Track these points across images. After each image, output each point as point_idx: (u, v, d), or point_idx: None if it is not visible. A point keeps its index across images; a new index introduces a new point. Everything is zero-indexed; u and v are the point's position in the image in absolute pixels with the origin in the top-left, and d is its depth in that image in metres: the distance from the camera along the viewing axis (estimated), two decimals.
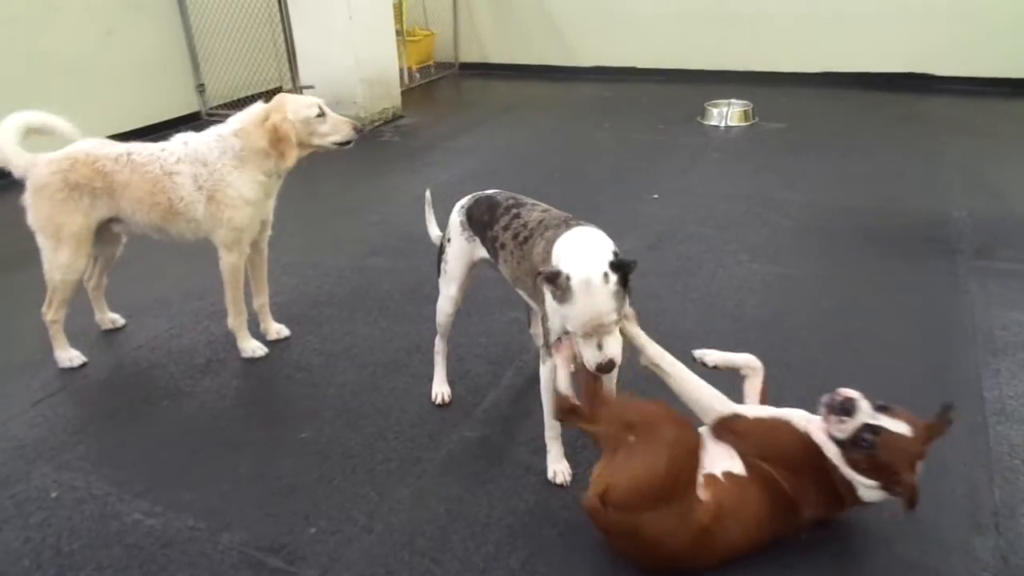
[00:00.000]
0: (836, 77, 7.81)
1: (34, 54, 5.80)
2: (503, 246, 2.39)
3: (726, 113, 6.61)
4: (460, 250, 2.62)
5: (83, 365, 3.23)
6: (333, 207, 5.01)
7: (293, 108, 2.98)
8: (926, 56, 7.51)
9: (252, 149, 2.95)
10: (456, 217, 2.62)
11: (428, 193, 2.98)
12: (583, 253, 2.03)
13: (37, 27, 5.84)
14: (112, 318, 3.54)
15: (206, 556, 2.21)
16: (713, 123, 6.63)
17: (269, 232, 3.25)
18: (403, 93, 7.54)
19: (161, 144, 3.02)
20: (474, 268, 2.67)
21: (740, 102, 6.71)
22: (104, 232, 3.15)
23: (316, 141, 3.06)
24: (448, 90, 8.77)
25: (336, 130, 3.09)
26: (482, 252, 2.55)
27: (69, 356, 3.23)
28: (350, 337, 3.37)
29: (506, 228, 2.38)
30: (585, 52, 8.75)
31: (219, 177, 2.93)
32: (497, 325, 3.42)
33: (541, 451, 2.52)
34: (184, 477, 2.54)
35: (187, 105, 7.13)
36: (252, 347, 3.25)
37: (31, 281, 4.08)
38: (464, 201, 2.62)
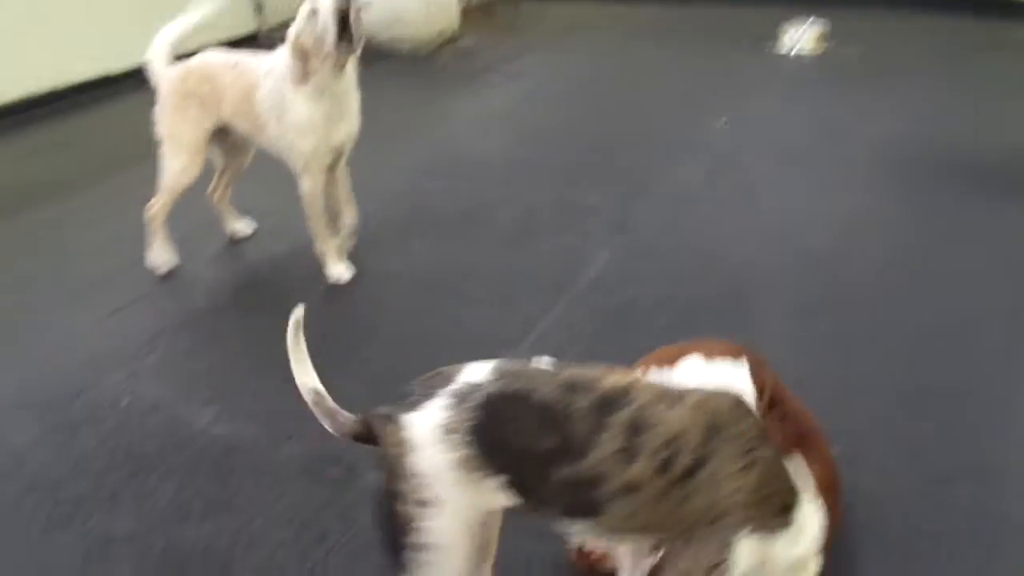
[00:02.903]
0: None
1: None
2: (628, 490, 1.34)
3: (798, 38, 6.30)
4: (461, 512, 1.36)
5: (170, 272, 3.33)
6: (389, 129, 4.99)
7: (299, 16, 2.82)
8: None
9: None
10: (438, 453, 1.32)
11: (298, 313, 1.59)
12: None
13: None
14: (241, 226, 3.64)
15: (269, 464, 2.31)
16: (784, 48, 6.33)
17: (344, 164, 3.17)
18: (461, 13, 7.37)
19: (263, 55, 3.01)
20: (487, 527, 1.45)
21: (814, 26, 6.38)
22: (228, 142, 3.25)
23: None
24: (507, 11, 8.54)
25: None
26: (501, 499, 1.37)
27: (163, 259, 3.34)
28: (406, 258, 3.40)
29: (626, 459, 1.32)
30: None
31: (283, 98, 2.90)
32: (550, 251, 3.41)
33: None
34: (248, 389, 2.64)
35: (244, 25, 7.08)
36: (339, 271, 3.22)
37: (108, 195, 4.24)
38: (445, 405, 1.33)
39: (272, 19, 7.29)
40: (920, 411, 2.39)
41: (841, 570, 1.88)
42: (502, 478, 1.34)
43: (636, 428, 1.33)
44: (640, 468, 1.32)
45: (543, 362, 2.54)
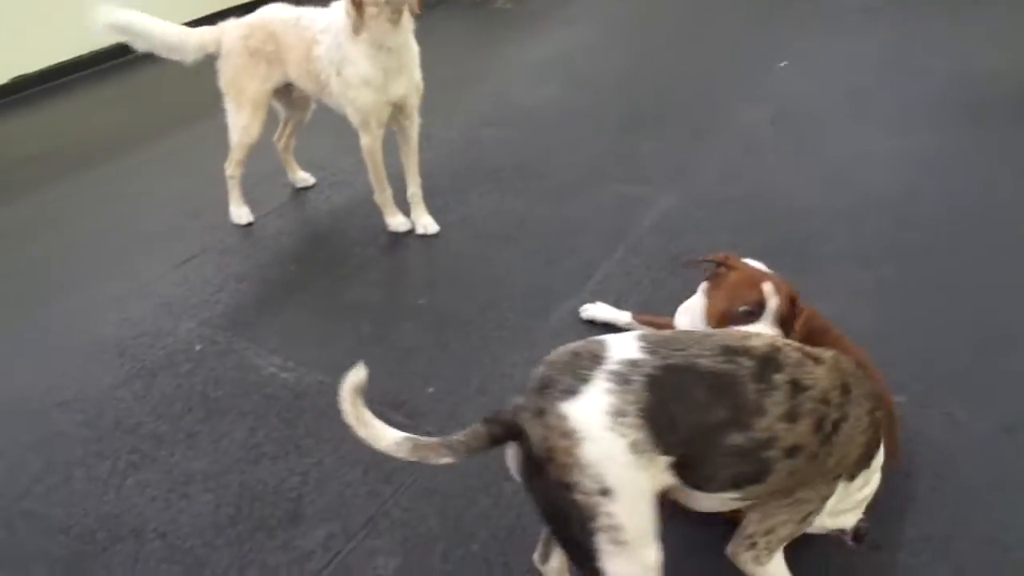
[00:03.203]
0: None
1: None
2: (792, 452, 1.35)
3: None
4: (639, 494, 1.30)
5: (250, 224, 3.44)
6: (446, 78, 4.95)
7: None
8: None
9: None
10: (611, 438, 1.26)
11: (357, 376, 1.40)
12: None
13: None
14: (303, 176, 3.72)
15: (335, 408, 2.33)
16: None
17: (415, 120, 3.11)
18: None
19: (323, 10, 3.00)
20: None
21: None
22: (291, 96, 3.31)
23: None
24: None
25: None
26: (667, 478, 1.34)
27: (241, 212, 3.45)
28: (463, 208, 3.42)
29: (791, 418, 1.33)
30: None
31: (343, 52, 2.89)
32: (609, 198, 3.38)
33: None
34: (313, 336, 2.72)
35: None
36: (397, 222, 3.25)
37: (176, 147, 4.36)
38: (608, 388, 1.28)
39: None
40: (989, 359, 2.32)
41: (910, 518, 1.87)
42: (671, 457, 1.30)
43: (796, 388, 1.35)
44: (803, 428, 1.35)
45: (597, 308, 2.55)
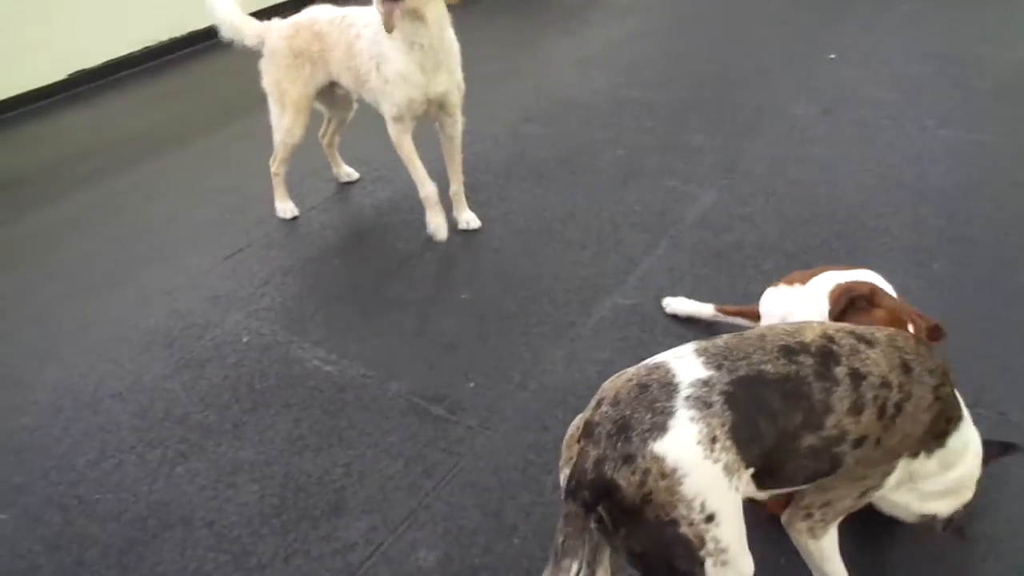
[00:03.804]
0: None
1: None
2: (859, 442, 1.36)
3: None
4: (736, 511, 1.31)
5: (295, 218, 3.49)
6: (488, 73, 4.96)
7: None
8: None
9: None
10: (710, 466, 1.25)
11: None
12: None
13: None
14: (347, 172, 3.77)
15: (377, 402, 2.41)
16: None
17: (458, 119, 3.07)
18: None
19: (366, 8, 2.99)
20: None
21: None
22: (334, 96, 3.34)
23: None
24: None
25: None
26: (750, 488, 1.37)
27: (286, 207, 3.51)
28: (505, 203, 3.42)
29: (856, 411, 1.34)
30: None
31: (380, 48, 2.90)
32: (653, 193, 3.34)
33: (696, 322, 2.51)
34: (355, 329, 2.75)
35: None
36: (435, 224, 3.18)
37: (221, 142, 4.44)
38: (692, 417, 1.26)
39: None
40: None
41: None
42: (754, 468, 1.31)
43: (856, 378, 1.34)
44: (867, 418, 1.35)
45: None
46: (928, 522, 1.67)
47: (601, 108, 4.23)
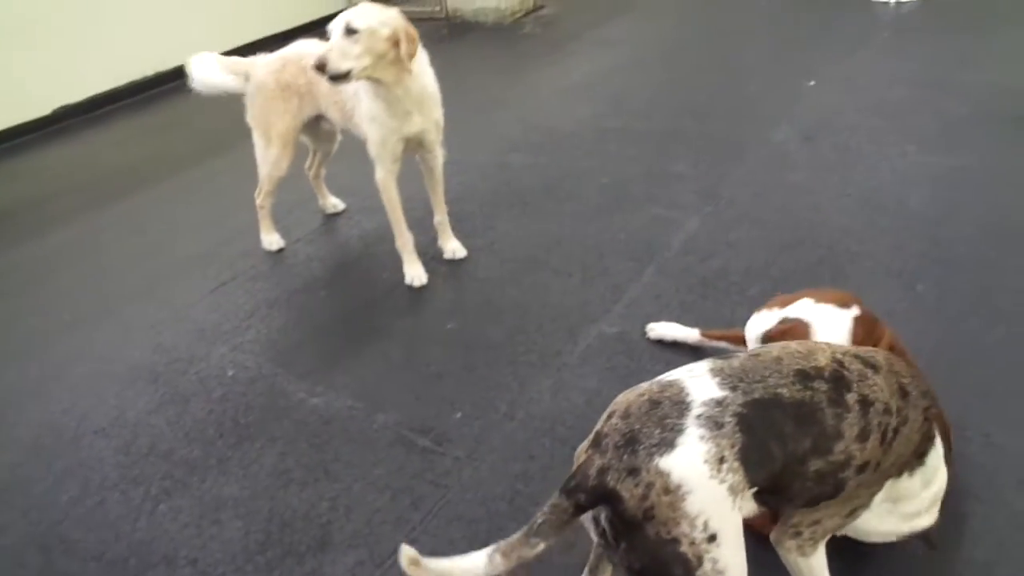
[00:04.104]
0: None
1: None
2: (862, 468, 1.37)
3: None
4: (737, 531, 1.30)
5: (281, 250, 3.49)
6: (474, 103, 5.01)
7: None
8: None
9: None
10: (715, 486, 1.24)
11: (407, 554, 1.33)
12: None
13: None
14: (333, 203, 3.78)
15: (363, 434, 2.39)
16: None
17: (437, 153, 3.04)
18: None
19: None
20: None
21: None
22: (319, 129, 3.35)
23: None
24: None
25: None
26: (752, 508, 1.37)
27: (272, 239, 3.51)
28: (492, 232, 3.43)
29: (863, 437, 1.35)
30: None
31: (356, 88, 2.87)
32: (638, 220, 3.36)
33: (681, 348, 2.51)
34: (341, 361, 2.73)
35: (336, 2, 7.19)
36: (412, 274, 3.11)
37: (209, 174, 4.44)
38: (702, 436, 1.25)
39: None
40: None
41: (952, 543, 1.81)
42: (757, 487, 1.31)
43: (865, 405, 1.35)
44: (872, 444, 1.36)
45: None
46: (909, 541, 1.68)
47: (585, 137, 4.26)
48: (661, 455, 1.23)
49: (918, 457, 1.52)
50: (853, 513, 1.48)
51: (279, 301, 3.15)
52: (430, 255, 3.27)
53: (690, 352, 2.47)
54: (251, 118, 3.25)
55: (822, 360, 1.38)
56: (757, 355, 1.40)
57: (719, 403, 1.28)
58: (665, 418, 1.27)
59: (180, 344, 2.94)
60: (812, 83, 4.58)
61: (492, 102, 5.00)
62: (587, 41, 6.01)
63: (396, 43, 2.62)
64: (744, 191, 3.50)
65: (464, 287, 3.09)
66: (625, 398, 1.35)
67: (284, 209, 3.68)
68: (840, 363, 1.39)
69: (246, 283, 3.30)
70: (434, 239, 3.28)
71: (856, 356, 1.43)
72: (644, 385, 1.36)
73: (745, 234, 3.17)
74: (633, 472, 1.23)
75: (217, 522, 2.14)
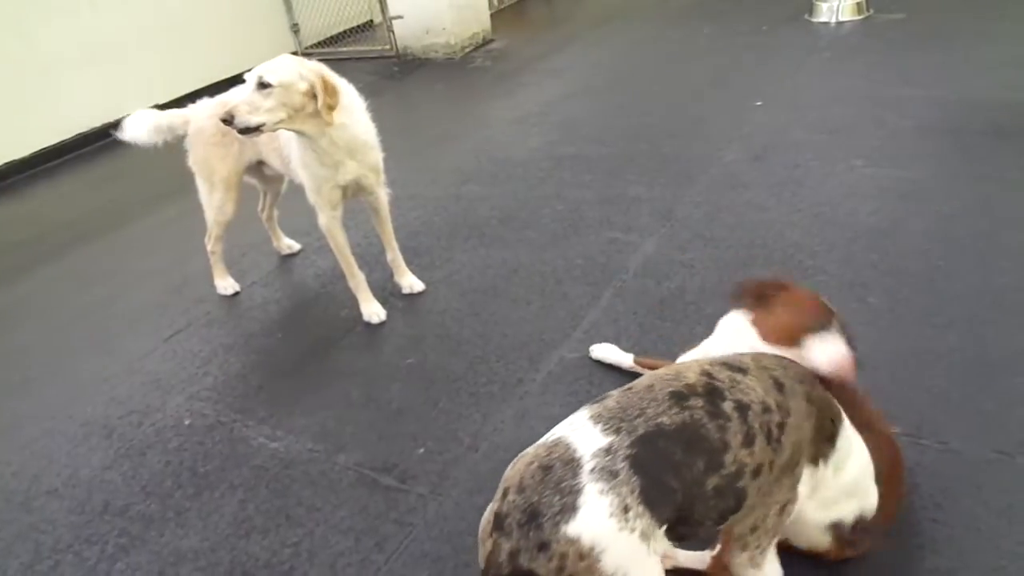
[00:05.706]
0: None
1: (132, 10, 6.08)
2: (756, 472, 1.37)
3: (837, 7, 6.12)
4: (654, 570, 1.30)
5: (236, 294, 3.44)
6: (427, 137, 5.03)
7: None
8: None
9: None
10: (627, 537, 1.23)
11: None
12: None
13: None
14: (288, 244, 3.74)
15: (325, 476, 2.35)
16: (823, 19, 6.17)
17: (380, 195, 3.01)
18: (492, 16, 7.40)
19: None
20: None
21: None
22: (263, 172, 3.30)
23: None
24: (538, 8, 8.54)
25: None
26: (664, 544, 1.34)
27: (226, 284, 3.46)
28: (449, 264, 3.42)
29: (748, 442, 1.35)
30: None
31: (290, 135, 2.83)
32: (595, 245, 3.38)
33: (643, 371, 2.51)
34: (301, 404, 2.69)
35: (283, 46, 7.23)
36: (369, 311, 3.09)
37: (156, 224, 4.38)
38: (601, 490, 1.24)
39: (308, 39, 7.44)
40: (981, 384, 2.29)
41: (913, 552, 1.82)
42: (667, 522, 1.28)
43: (742, 409, 1.35)
44: (759, 447, 1.36)
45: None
46: (840, 534, 1.67)
47: (539, 165, 4.29)
48: (567, 522, 1.20)
49: (827, 440, 1.52)
50: (784, 508, 1.47)
51: (236, 346, 3.10)
52: (388, 291, 3.25)
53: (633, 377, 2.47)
54: (193, 163, 3.21)
55: (692, 377, 1.39)
56: (630, 388, 1.40)
57: (608, 451, 1.26)
58: (560, 482, 1.23)
59: (135, 396, 2.87)
60: (759, 103, 4.68)
61: (445, 135, 5.03)
62: (537, 72, 6.08)
63: (314, 96, 2.60)
64: (698, 211, 3.54)
65: (423, 321, 3.07)
66: (516, 471, 1.31)
67: (238, 252, 3.64)
68: (709, 375, 1.39)
69: (201, 330, 3.24)
70: (392, 274, 3.26)
71: (724, 364, 1.44)
72: (530, 451, 1.33)
73: (700, 253, 3.20)
74: (543, 547, 1.20)
75: None
